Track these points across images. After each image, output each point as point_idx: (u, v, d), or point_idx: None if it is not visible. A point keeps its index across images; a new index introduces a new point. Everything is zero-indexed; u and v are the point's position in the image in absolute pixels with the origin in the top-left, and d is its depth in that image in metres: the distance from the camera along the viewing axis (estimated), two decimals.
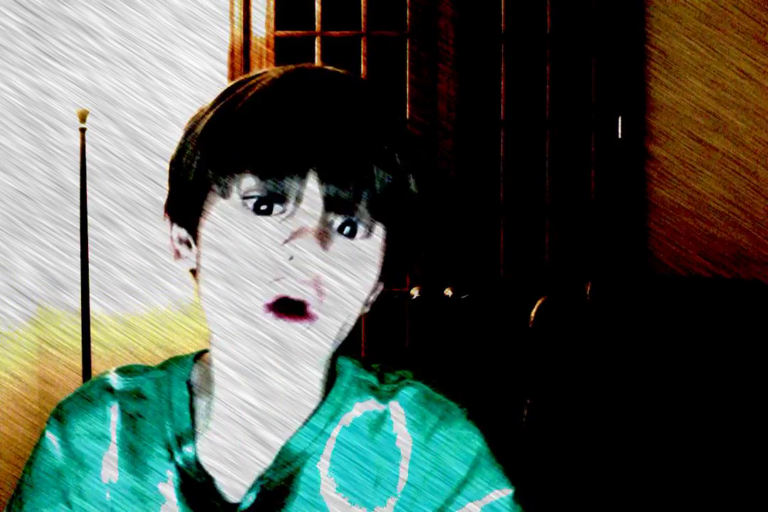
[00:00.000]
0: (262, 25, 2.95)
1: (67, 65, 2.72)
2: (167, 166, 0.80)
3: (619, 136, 2.95)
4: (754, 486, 1.84)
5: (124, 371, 0.84)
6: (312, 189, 0.72)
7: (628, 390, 1.89)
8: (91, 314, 2.79)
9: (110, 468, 0.79)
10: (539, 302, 1.97)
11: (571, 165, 3.00)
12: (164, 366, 0.84)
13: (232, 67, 2.94)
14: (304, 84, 0.75)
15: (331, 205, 0.71)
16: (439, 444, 0.79)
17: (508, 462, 0.93)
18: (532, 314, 1.96)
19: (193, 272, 0.79)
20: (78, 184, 2.78)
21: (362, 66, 2.94)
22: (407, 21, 2.95)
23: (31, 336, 2.95)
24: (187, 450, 0.78)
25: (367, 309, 0.79)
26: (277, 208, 0.72)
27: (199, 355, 0.84)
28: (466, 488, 0.77)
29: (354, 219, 0.73)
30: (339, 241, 0.73)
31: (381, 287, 0.81)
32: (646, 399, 1.89)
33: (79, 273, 2.78)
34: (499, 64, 2.97)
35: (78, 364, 2.82)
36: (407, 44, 2.95)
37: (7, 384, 2.77)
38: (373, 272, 0.76)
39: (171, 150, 0.80)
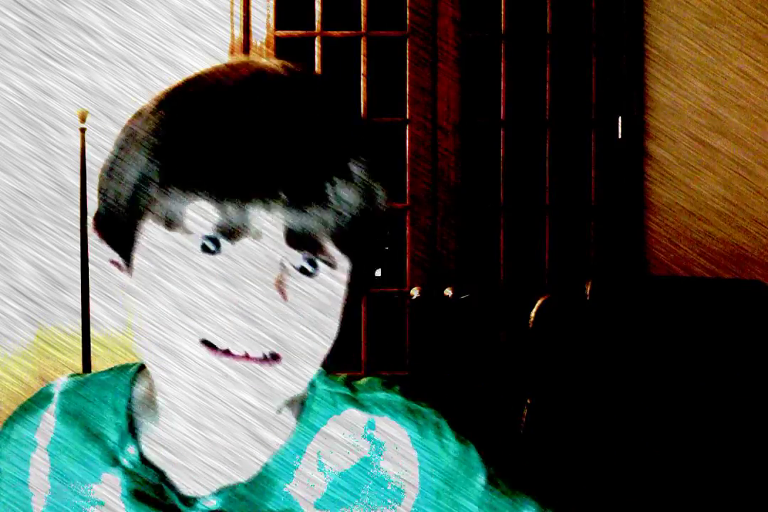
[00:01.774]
0: (262, 25, 2.95)
1: (67, 65, 2.72)
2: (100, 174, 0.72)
3: (619, 136, 2.95)
4: (754, 486, 1.84)
5: (73, 375, 0.83)
6: (271, 226, 0.62)
7: (629, 390, 1.89)
8: (91, 314, 2.79)
9: (40, 473, 0.78)
10: (539, 302, 1.97)
11: (571, 165, 3.00)
12: (110, 370, 0.82)
13: None
14: (265, 93, 0.67)
15: (294, 239, 0.63)
16: (450, 461, 0.78)
17: (508, 462, 0.93)
18: (532, 314, 1.96)
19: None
20: (78, 184, 2.78)
21: (362, 66, 2.94)
22: (407, 21, 2.95)
23: (31, 336, 2.95)
24: (130, 450, 0.75)
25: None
26: (227, 244, 0.64)
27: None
28: (486, 496, 0.78)
29: (320, 256, 0.65)
30: (299, 282, 0.65)
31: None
32: (647, 399, 1.89)
33: (79, 273, 2.78)
34: (499, 64, 2.97)
35: (78, 364, 2.82)
36: (407, 44, 2.95)
37: (7, 384, 2.77)
38: (337, 311, 0.68)
39: None
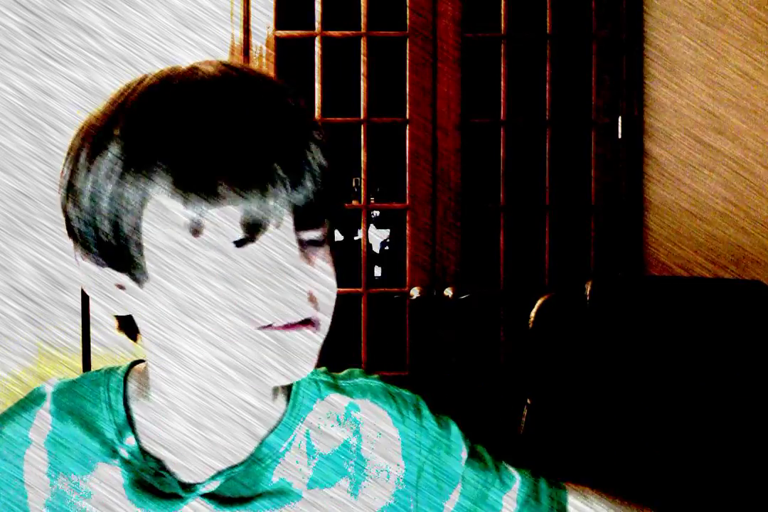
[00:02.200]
0: (262, 25, 2.94)
1: (67, 65, 2.72)
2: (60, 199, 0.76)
3: (619, 136, 2.95)
4: (755, 486, 1.84)
5: (63, 378, 0.87)
6: (284, 210, 0.69)
7: (629, 390, 1.89)
8: (91, 314, 2.79)
9: (36, 470, 0.80)
10: (539, 302, 1.97)
11: (571, 165, 3.00)
12: (99, 370, 0.87)
13: None
14: (241, 98, 0.71)
15: (303, 222, 0.71)
16: (430, 437, 0.84)
17: (508, 462, 0.93)
18: (532, 314, 1.96)
19: (120, 318, 0.81)
20: None
21: (362, 66, 2.94)
22: (407, 21, 2.95)
23: (31, 336, 2.95)
24: (127, 441, 0.80)
25: None
26: (253, 238, 0.70)
27: (135, 362, 0.87)
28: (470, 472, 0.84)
29: (321, 231, 0.74)
30: (313, 253, 0.74)
31: None
32: (647, 400, 1.89)
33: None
34: (499, 64, 2.97)
35: (78, 364, 2.82)
36: (407, 44, 2.95)
37: (7, 384, 2.77)
38: (333, 269, 0.76)
39: None
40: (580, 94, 2.99)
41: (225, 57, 2.94)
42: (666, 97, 2.96)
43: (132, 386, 0.84)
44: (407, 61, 2.95)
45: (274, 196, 0.68)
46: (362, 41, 2.94)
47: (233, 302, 0.70)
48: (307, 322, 0.72)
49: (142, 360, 0.87)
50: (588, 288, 1.96)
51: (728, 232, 2.96)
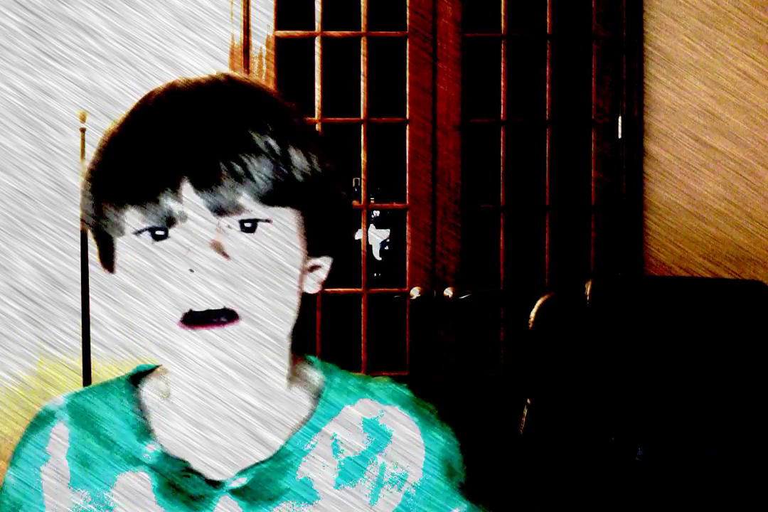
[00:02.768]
0: (262, 25, 2.94)
1: (67, 65, 2.72)
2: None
3: (619, 136, 2.95)
4: (755, 487, 1.84)
5: (67, 394, 0.88)
6: (193, 202, 0.73)
7: (629, 390, 1.89)
8: (91, 314, 2.79)
9: (56, 486, 0.81)
10: (539, 302, 1.97)
11: (570, 165, 3.00)
12: (103, 383, 0.88)
13: (232, 67, 2.94)
14: (159, 106, 0.77)
15: (217, 210, 0.73)
16: (446, 451, 0.84)
17: (507, 462, 0.93)
18: (532, 314, 1.96)
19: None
20: (78, 184, 2.77)
21: (362, 66, 2.94)
22: (407, 21, 2.95)
23: (31, 336, 2.95)
24: (150, 447, 0.81)
25: (314, 290, 0.83)
26: (171, 230, 0.74)
27: (141, 372, 0.88)
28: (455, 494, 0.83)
29: (247, 216, 0.74)
30: (241, 239, 0.74)
31: (326, 261, 0.84)
32: (647, 400, 1.89)
33: (79, 273, 2.78)
34: (499, 64, 2.97)
35: (78, 364, 2.82)
36: (407, 44, 2.95)
37: (7, 384, 2.77)
38: (288, 255, 0.77)
39: None
40: (580, 94, 2.99)
41: (225, 57, 2.94)
42: (666, 97, 2.95)
43: (144, 391, 0.85)
44: (407, 61, 2.94)
45: (175, 194, 0.72)
46: (362, 41, 2.94)
47: (150, 291, 0.76)
48: (231, 317, 0.74)
49: (149, 367, 0.88)
50: (588, 288, 1.96)
51: (728, 232, 2.96)
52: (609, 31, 2.96)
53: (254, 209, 0.74)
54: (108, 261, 0.81)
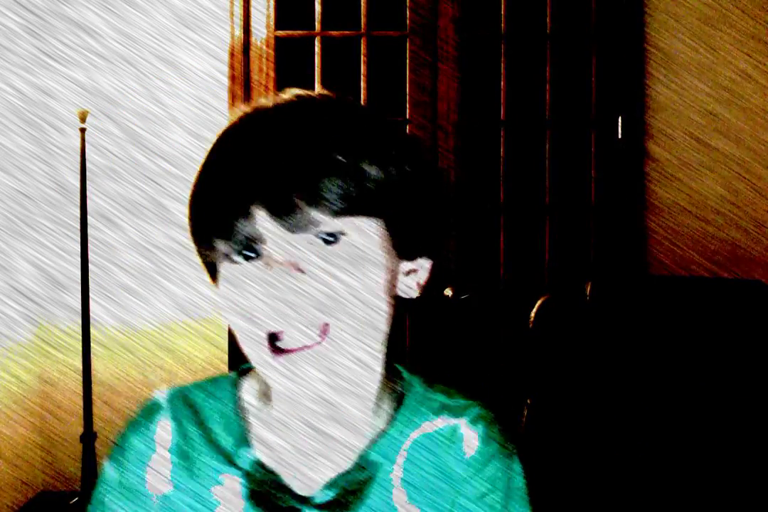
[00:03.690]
0: (262, 25, 2.95)
1: (67, 65, 2.72)
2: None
3: (619, 136, 2.95)
4: (755, 487, 1.84)
5: (170, 388, 0.89)
6: (265, 223, 0.73)
7: (629, 390, 1.89)
8: (91, 314, 2.79)
9: (160, 478, 0.83)
10: (539, 302, 1.97)
11: (571, 165, 3.00)
12: (209, 379, 0.89)
13: (232, 67, 2.94)
14: (232, 139, 0.78)
15: (289, 228, 0.73)
16: (508, 489, 0.84)
17: None
18: (532, 314, 1.96)
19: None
20: (78, 184, 2.78)
21: (362, 66, 2.94)
22: (407, 21, 2.95)
23: (31, 336, 2.95)
24: (247, 455, 0.82)
25: (414, 294, 0.83)
26: (258, 250, 0.75)
27: (244, 370, 0.89)
28: None
29: (323, 229, 0.73)
30: (319, 254, 0.74)
31: (424, 264, 0.84)
32: (647, 400, 1.89)
33: (79, 273, 2.78)
34: (499, 64, 2.97)
35: (78, 364, 2.82)
36: (407, 44, 2.95)
37: (7, 384, 2.78)
38: (371, 263, 0.75)
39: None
40: (580, 94, 2.99)
41: (225, 57, 2.94)
42: (666, 97, 2.96)
43: (244, 393, 0.86)
44: (407, 61, 2.95)
45: (249, 218, 0.74)
46: (362, 41, 2.94)
47: (243, 309, 0.75)
48: (319, 335, 0.74)
49: (249, 366, 0.88)
50: (588, 288, 1.96)
51: (728, 232, 2.96)
52: (609, 31, 2.96)
53: (330, 222, 0.73)
54: (216, 279, 0.82)
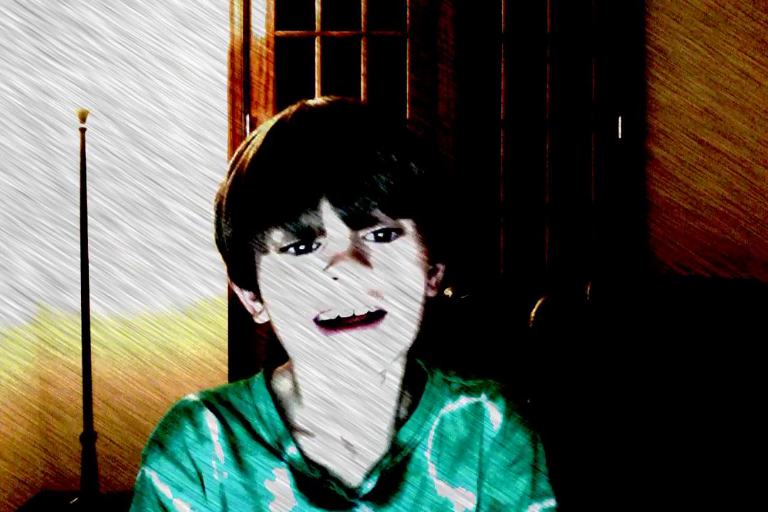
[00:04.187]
0: (262, 25, 2.94)
1: (67, 65, 2.72)
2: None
3: (619, 136, 2.95)
4: (755, 487, 1.84)
5: (202, 391, 0.91)
6: (331, 218, 0.78)
7: (629, 390, 1.89)
8: (91, 314, 2.79)
9: (219, 469, 0.85)
10: (539, 302, 1.97)
11: (571, 165, 3.00)
12: (233, 384, 0.91)
13: (232, 67, 2.94)
14: (290, 133, 0.81)
15: (352, 224, 0.78)
16: (524, 448, 0.89)
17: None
18: (532, 314, 1.96)
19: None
20: (78, 184, 2.78)
21: (362, 66, 2.94)
22: (407, 21, 2.95)
23: (31, 336, 2.95)
24: (291, 450, 0.85)
25: (431, 294, 0.88)
26: (314, 244, 0.79)
27: (269, 369, 0.92)
28: (532, 490, 0.89)
29: (381, 226, 0.79)
30: (377, 249, 0.79)
31: (441, 266, 0.90)
32: (647, 400, 1.89)
33: (79, 273, 2.78)
34: (499, 64, 2.97)
35: (78, 364, 2.82)
36: (407, 44, 2.95)
37: (7, 384, 2.77)
38: (412, 262, 0.81)
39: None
40: (580, 94, 2.99)
41: (225, 57, 2.94)
42: (666, 97, 2.96)
43: (281, 392, 0.89)
44: (407, 61, 2.95)
45: (316, 213, 0.78)
46: (362, 41, 2.94)
47: (296, 301, 0.79)
48: (377, 316, 0.79)
49: (274, 365, 0.92)
50: (588, 288, 1.96)
51: (728, 232, 2.96)
52: (609, 31, 2.96)
53: (385, 220, 0.79)
54: (243, 279, 0.85)
